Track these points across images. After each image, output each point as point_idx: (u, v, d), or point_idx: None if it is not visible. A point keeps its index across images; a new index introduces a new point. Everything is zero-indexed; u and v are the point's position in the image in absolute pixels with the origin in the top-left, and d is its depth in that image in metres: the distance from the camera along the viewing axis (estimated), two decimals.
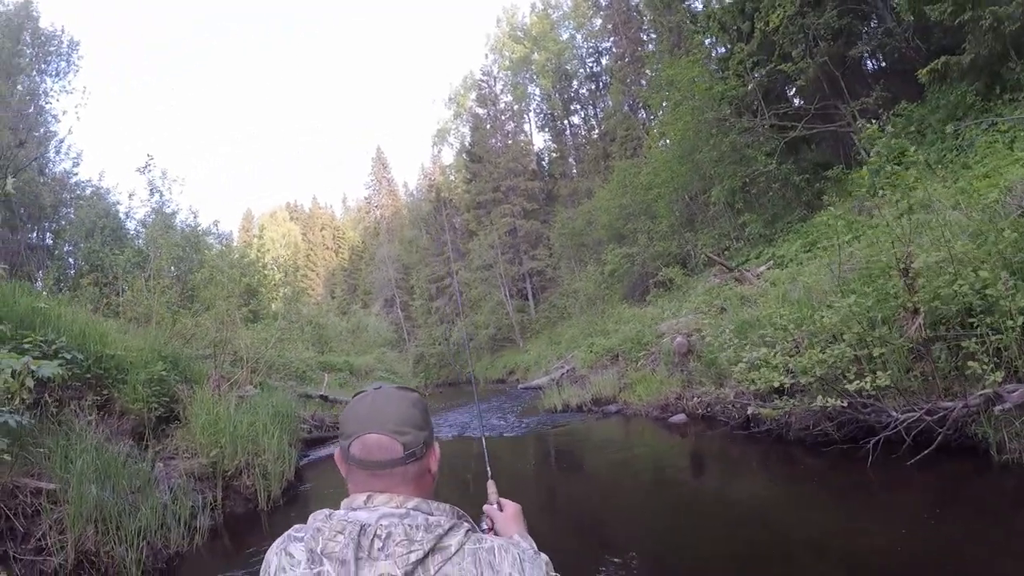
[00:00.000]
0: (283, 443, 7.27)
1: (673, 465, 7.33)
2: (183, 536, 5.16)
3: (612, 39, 39.55)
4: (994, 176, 8.44)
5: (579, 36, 45.41)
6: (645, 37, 35.85)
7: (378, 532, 0.94)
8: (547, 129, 47.29)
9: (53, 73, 22.80)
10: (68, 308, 6.98)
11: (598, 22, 42.40)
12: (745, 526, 4.53)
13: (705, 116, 17.12)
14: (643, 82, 32.83)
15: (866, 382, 5.05)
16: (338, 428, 1.40)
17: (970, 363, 4.56)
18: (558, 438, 9.91)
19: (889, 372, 5.08)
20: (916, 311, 5.13)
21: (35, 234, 20.30)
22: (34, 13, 22.74)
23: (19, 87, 21.18)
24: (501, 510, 1.33)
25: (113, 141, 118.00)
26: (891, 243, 5.49)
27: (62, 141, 22.36)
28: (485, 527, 1.29)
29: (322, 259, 72.75)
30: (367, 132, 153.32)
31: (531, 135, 47.37)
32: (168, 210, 18.59)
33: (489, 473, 1.52)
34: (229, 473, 6.52)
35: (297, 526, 1.03)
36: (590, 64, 44.61)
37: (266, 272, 15.97)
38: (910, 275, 5.20)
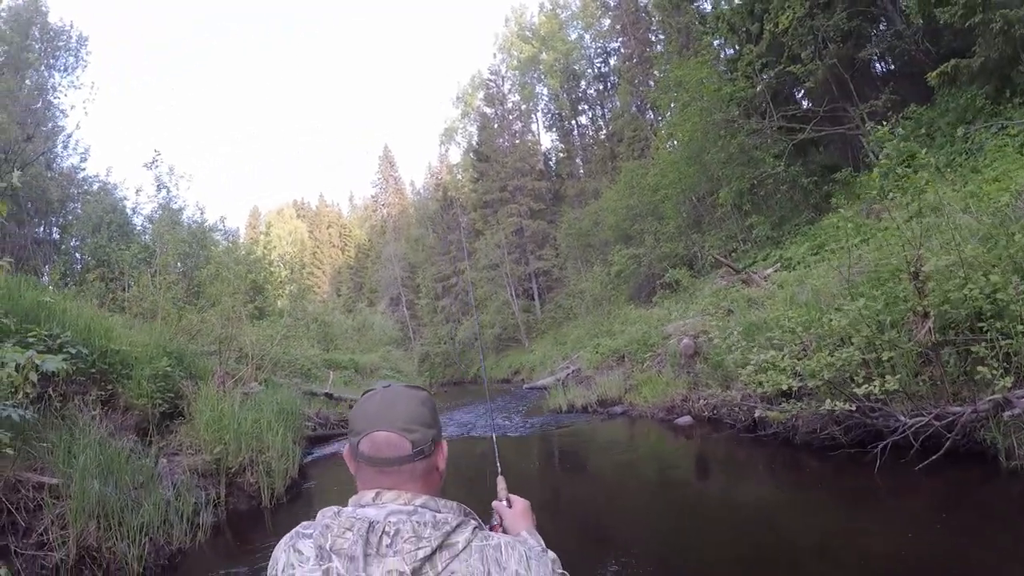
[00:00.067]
0: (287, 440, 7.27)
1: (678, 467, 7.30)
2: (186, 532, 5.17)
3: (620, 40, 39.42)
4: (1004, 180, 8.39)
5: (587, 36, 45.41)
6: (653, 38, 35.71)
7: (386, 529, 0.95)
8: (554, 129, 47.37)
9: (61, 68, 22.88)
10: (74, 303, 7.01)
11: (606, 22, 42.35)
12: (750, 529, 4.50)
13: (713, 117, 17.09)
14: (651, 83, 32.68)
15: (874, 386, 5.01)
16: (343, 426, 1.39)
17: (979, 368, 4.53)
18: (563, 439, 9.87)
19: (898, 376, 5.04)
20: (926, 315, 5.10)
21: (42, 228, 20.44)
22: (43, 8, 22.81)
23: (27, 82, 21.31)
24: (510, 506, 1.34)
25: (113, 141, 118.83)
26: (901, 246, 5.45)
27: (70, 136, 22.54)
28: (495, 523, 1.29)
29: (328, 257, 72.99)
30: (369, 131, 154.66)
31: (538, 135, 47.41)
32: (175, 206, 18.70)
33: (499, 470, 1.52)
34: (233, 470, 6.54)
35: (305, 523, 1.03)
36: (598, 64, 44.56)
37: (272, 269, 16.00)
38: (920, 278, 5.16)
